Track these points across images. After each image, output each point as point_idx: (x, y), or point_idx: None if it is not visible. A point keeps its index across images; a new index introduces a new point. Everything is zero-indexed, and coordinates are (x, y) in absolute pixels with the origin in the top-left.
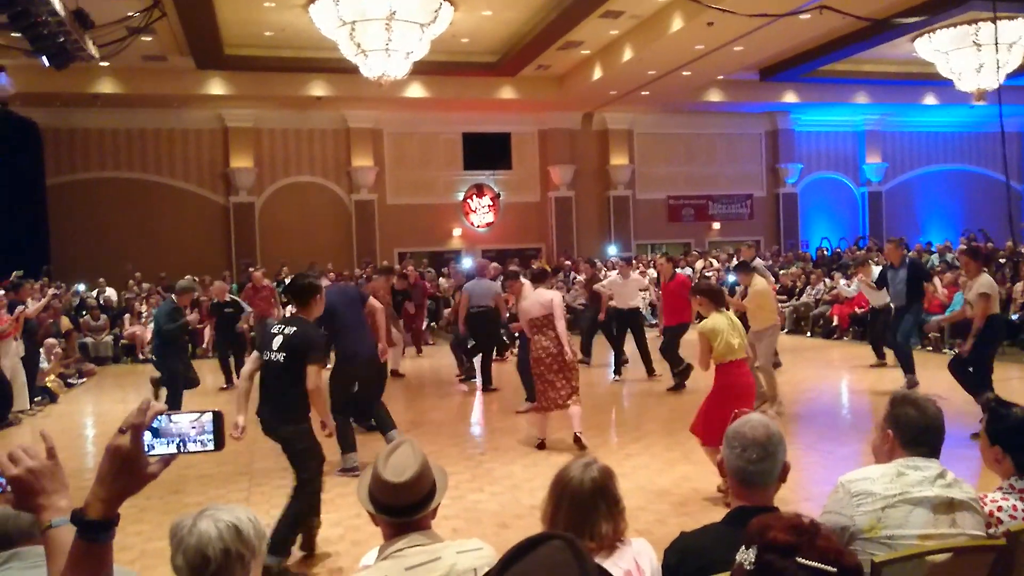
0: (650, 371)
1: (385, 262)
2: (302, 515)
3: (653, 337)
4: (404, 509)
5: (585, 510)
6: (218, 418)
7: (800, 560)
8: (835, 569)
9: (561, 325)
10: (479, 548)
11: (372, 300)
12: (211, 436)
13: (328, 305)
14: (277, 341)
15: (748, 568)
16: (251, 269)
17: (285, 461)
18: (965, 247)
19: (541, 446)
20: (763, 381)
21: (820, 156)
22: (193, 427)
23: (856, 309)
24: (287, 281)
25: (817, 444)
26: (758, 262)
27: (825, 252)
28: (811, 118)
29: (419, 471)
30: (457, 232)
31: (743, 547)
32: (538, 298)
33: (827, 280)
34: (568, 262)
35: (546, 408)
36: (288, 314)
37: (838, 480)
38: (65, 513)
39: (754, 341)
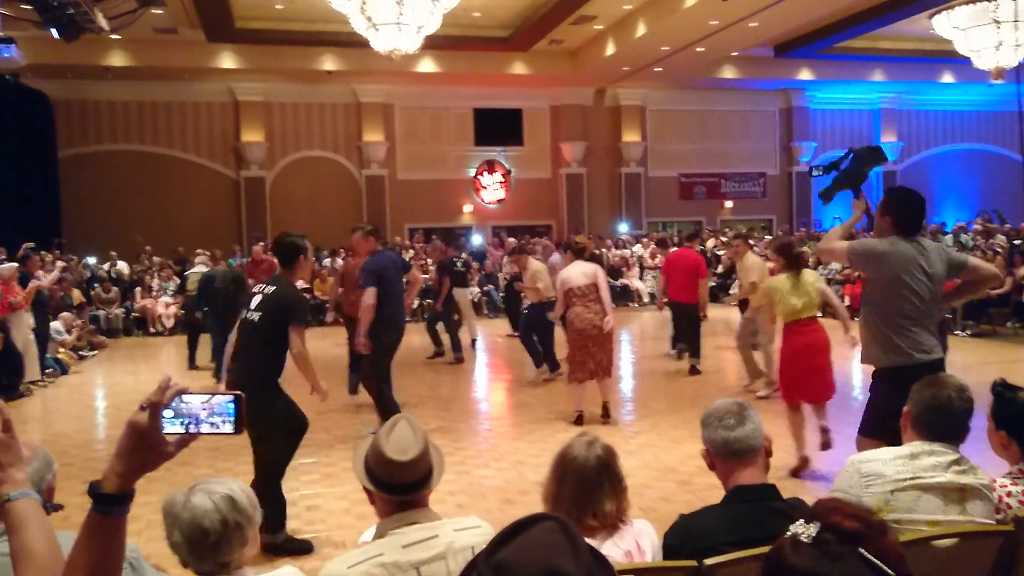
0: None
1: (398, 237)
2: (270, 488)
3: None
4: (406, 487)
5: (589, 488)
6: (239, 401)
7: (861, 551)
8: (893, 573)
9: (606, 296)
10: (477, 526)
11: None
12: (230, 419)
13: (380, 270)
14: (256, 300)
15: (804, 540)
16: (257, 245)
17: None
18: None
19: (579, 420)
20: (761, 362)
21: (835, 134)
22: (204, 408)
23: None
24: None
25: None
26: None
27: None
28: (826, 95)
29: (421, 450)
30: (468, 208)
31: (801, 520)
32: (582, 268)
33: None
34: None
35: (582, 379)
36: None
37: (848, 459)
38: (23, 485)
39: (753, 318)
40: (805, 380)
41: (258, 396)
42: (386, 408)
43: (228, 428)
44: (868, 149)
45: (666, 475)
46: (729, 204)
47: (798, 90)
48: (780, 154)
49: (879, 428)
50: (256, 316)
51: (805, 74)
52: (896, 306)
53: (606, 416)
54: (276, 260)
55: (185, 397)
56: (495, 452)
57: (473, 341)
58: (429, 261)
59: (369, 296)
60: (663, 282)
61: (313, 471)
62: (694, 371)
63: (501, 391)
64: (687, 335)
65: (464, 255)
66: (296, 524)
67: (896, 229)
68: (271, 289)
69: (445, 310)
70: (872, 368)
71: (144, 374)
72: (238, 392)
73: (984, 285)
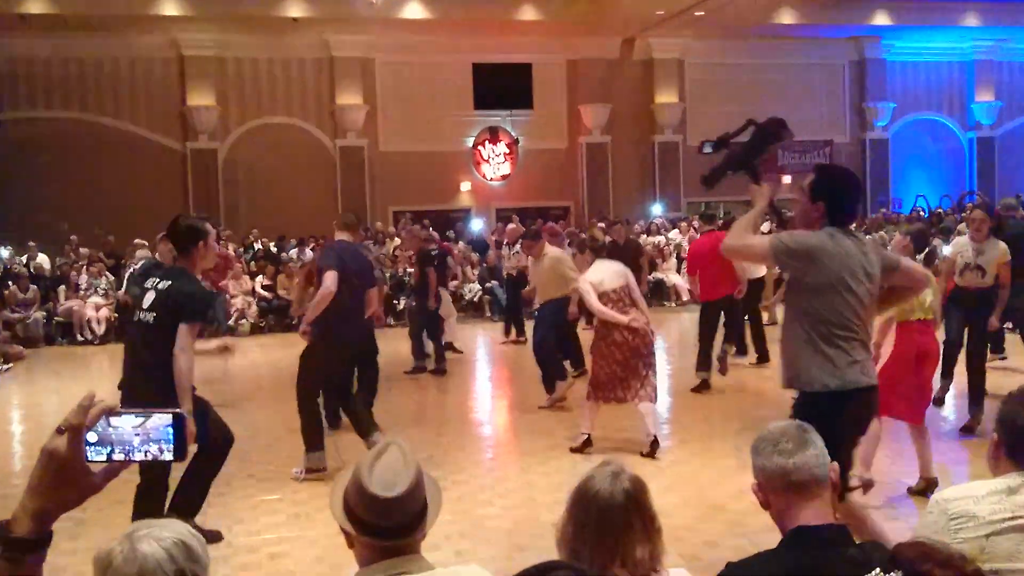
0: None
1: (379, 223)
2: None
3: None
4: (392, 530)
5: (616, 530)
6: (179, 421)
7: None
8: None
9: (641, 299)
10: None
11: (374, 293)
12: (168, 443)
13: (340, 255)
14: (148, 298)
15: None
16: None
17: (253, 465)
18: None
19: (587, 443)
20: None
21: (918, 93)
22: (137, 432)
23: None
24: (256, 247)
25: (908, 450)
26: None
27: (922, 212)
28: (907, 45)
29: (413, 483)
30: (466, 186)
31: (878, 570)
32: (612, 268)
33: (925, 248)
34: (602, 224)
35: (603, 398)
36: (260, 287)
37: (932, 497)
38: None
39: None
40: (909, 393)
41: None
42: (310, 431)
43: (167, 454)
44: (773, 123)
45: (711, 514)
46: (788, 180)
47: (872, 38)
48: (851, 118)
49: None
50: (150, 317)
51: (881, 18)
52: (836, 316)
53: (652, 453)
54: (228, 253)
55: (113, 418)
56: (501, 486)
57: (449, 345)
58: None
59: (330, 280)
60: (693, 280)
61: (278, 510)
62: (722, 365)
63: (507, 411)
64: (731, 330)
65: (433, 246)
66: None
67: (831, 219)
68: (165, 284)
69: (433, 310)
70: (793, 394)
71: (70, 391)
72: (179, 411)
73: (915, 293)
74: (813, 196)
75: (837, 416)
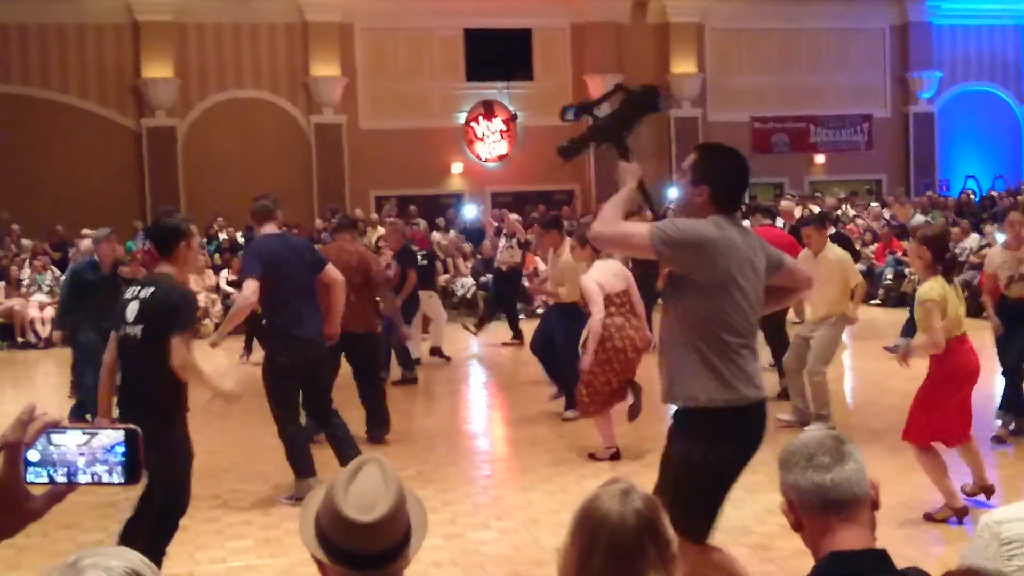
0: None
1: (358, 210)
2: (163, 543)
3: None
4: (371, 559)
5: (629, 557)
6: (133, 440)
7: None
8: None
9: (640, 304)
10: None
11: (331, 269)
12: (119, 464)
13: (268, 259)
14: (132, 309)
15: None
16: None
17: (218, 485)
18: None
19: (616, 456)
20: (810, 394)
21: (968, 61)
22: (82, 451)
23: None
24: (221, 237)
25: (955, 466)
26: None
27: (972, 195)
28: (956, 6)
29: (395, 504)
30: (457, 168)
31: None
32: (612, 268)
33: (976, 235)
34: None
35: (602, 410)
36: (225, 282)
37: (982, 520)
38: None
39: (813, 332)
40: (953, 415)
41: (156, 431)
42: (296, 458)
43: (117, 477)
44: (647, 91)
45: (735, 537)
46: (821, 159)
47: None
48: (892, 89)
49: (708, 507)
50: (137, 331)
51: None
52: (726, 320)
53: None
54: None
55: (55, 435)
56: (498, 507)
57: (436, 350)
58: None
59: (248, 290)
60: None
61: (246, 535)
62: (782, 396)
63: (505, 423)
64: (772, 344)
65: (418, 250)
66: None
67: (716, 206)
68: (148, 292)
69: (405, 312)
70: (675, 409)
71: (10, 402)
72: (132, 427)
73: (796, 294)
74: (696, 178)
75: (724, 436)
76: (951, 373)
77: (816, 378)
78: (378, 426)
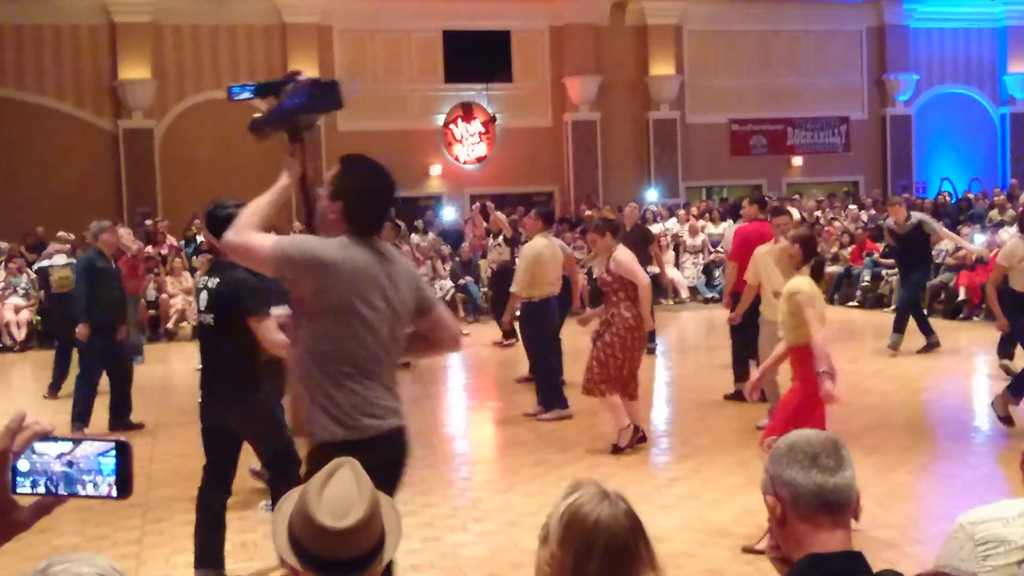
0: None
1: None
2: (295, 473)
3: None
4: (345, 565)
5: (625, 558)
6: (123, 452)
7: None
8: None
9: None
10: None
11: None
12: (106, 476)
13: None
14: (203, 299)
15: None
16: (124, 229)
17: (192, 488)
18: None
19: (643, 439)
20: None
21: (944, 64)
22: (65, 463)
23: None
24: (199, 240)
25: (935, 465)
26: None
27: (949, 198)
28: (932, 9)
29: (368, 510)
30: (436, 170)
31: None
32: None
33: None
34: (591, 211)
35: (625, 393)
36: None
37: (957, 520)
38: None
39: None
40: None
41: (234, 403)
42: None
43: (104, 489)
44: (325, 84)
45: (715, 539)
46: (798, 161)
47: (894, 1)
48: (869, 91)
49: None
50: (209, 318)
51: None
52: (344, 350)
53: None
54: (141, 249)
55: (37, 444)
56: (476, 510)
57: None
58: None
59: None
60: (732, 271)
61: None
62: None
63: (484, 424)
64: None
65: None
66: None
67: (350, 223)
68: (215, 281)
69: None
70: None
71: None
72: (122, 439)
73: (435, 351)
74: (332, 193)
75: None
76: (813, 376)
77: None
78: None
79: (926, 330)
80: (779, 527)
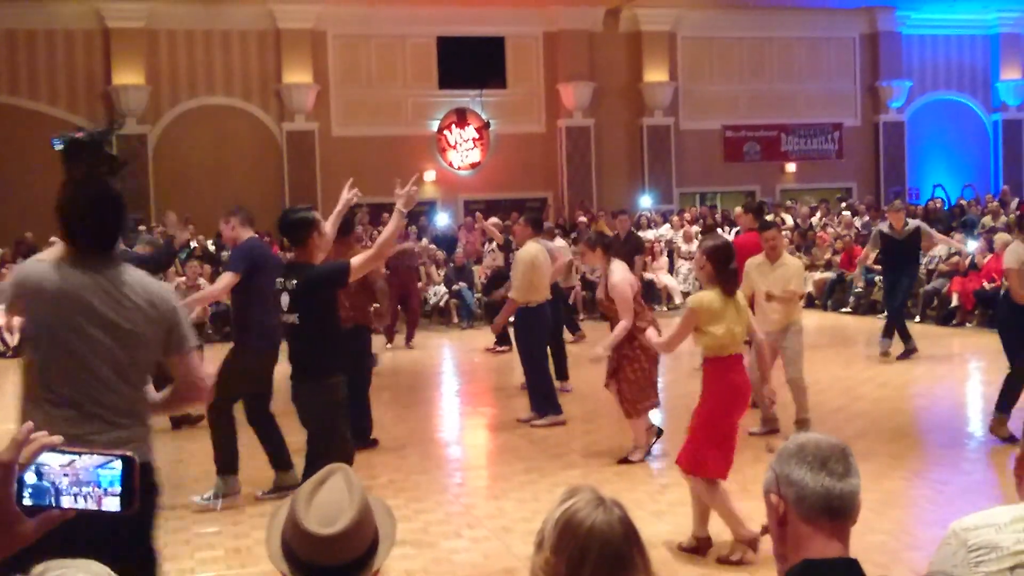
0: None
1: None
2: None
3: None
4: (333, 571)
5: (620, 564)
6: (128, 466)
7: None
8: None
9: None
10: None
11: None
12: (109, 489)
13: (253, 259)
14: (284, 300)
15: None
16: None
17: (187, 493)
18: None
19: (659, 433)
20: (794, 400)
21: (937, 70)
22: (67, 474)
23: (984, 284)
24: (192, 245)
25: (927, 471)
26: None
27: (941, 204)
28: (925, 16)
29: (357, 517)
30: (430, 176)
31: None
32: (627, 273)
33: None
34: (585, 217)
35: (651, 407)
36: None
37: (950, 527)
38: None
39: (778, 342)
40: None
41: (312, 391)
42: (223, 449)
43: (109, 504)
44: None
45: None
46: (792, 167)
47: (887, 9)
48: (862, 98)
49: None
50: (294, 318)
51: None
52: (46, 376)
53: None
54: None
55: (44, 456)
56: (469, 515)
57: None
58: None
59: (223, 282)
60: None
61: (215, 545)
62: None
63: (478, 430)
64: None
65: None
66: None
67: (71, 243)
68: (293, 283)
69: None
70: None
71: None
72: (127, 453)
73: (182, 399)
74: (56, 210)
75: None
76: (725, 393)
77: (800, 383)
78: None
79: (905, 336)
80: (779, 527)
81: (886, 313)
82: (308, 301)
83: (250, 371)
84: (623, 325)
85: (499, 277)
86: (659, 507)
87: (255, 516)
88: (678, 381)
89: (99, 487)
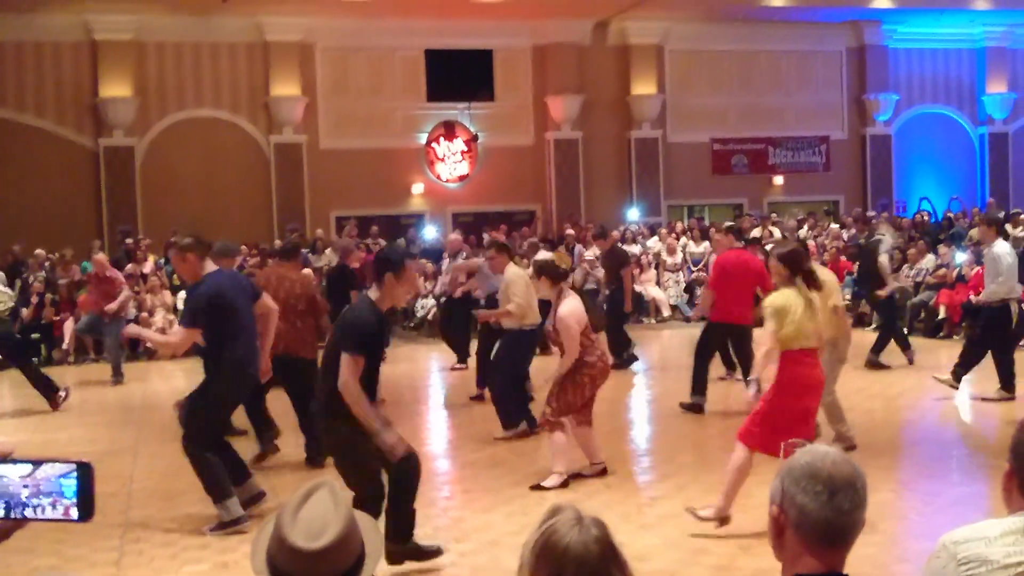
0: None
1: (320, 230)
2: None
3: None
4: None
5: None
6: (84, 474)
7: None
8: None
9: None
10: None
11: (267, 298)
12: (65, 499)
13: (220, 294)
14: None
15: None
16: (98, 254)
17: (174, 507)
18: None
19: (604, 472)
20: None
21: (924, 83)
22: (25, 485)
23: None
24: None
25: (917, 483)
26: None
27: (927, 217)
28: (911, 30)
29: (343, 531)
30: (418, 188)
31: None
32: (576, 301)
33: (932, 255)
34: (573, 231)
35: (588, 421)
36: (182, 303)
37: (940, 540)
38: None
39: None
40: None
41: (331, 428)
42: (213, 484)
43: (60, 510)
44: None
45: (696, 558)
46: (779, 180)
47: (873, 22)
48: (849, 110)
49: None
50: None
51: (882, 0)
52: None
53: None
54: (115, 275)
55: (2, 467)
56: (457, 529)
57: None
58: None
59: (179, 337)
60: (708, 299)
61: (202, 559)
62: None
63: (464, 444)
64: (742, 355)
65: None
66: None
67: None
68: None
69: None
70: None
71: None
72: (84, 461)
73: None
74: None
75: None
76: (788, 383)
77: (827, 399)
78: (321, 451)
79: (878, 350)
80: (776, 537)
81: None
82: (333, 337)
83: (225, 400)
84: (567, 361)
85: (466, 298)
86: (647, 520)
87: (247, 530)
88: (667, 394)
89: (61, 496)
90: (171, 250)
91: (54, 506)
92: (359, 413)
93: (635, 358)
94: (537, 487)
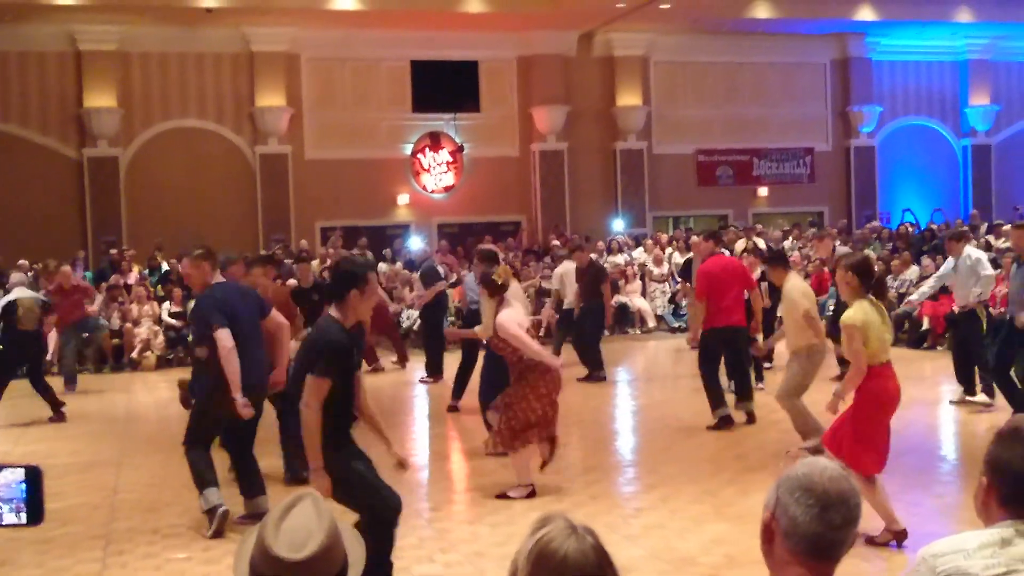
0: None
1: (277, 250)
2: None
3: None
4: None
5: None
6: (33, 478)
7: None
8: None
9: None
10: None
11: (275, 314)
12: (14, 502)
13: (226, 301)
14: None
15: None
16: (66, 266)
17: (158, 518)
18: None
19: (533, 494)
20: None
21: (907, 95)
22: None
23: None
24: (164, 267)
25: (901, 494)
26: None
27: (911, 228)
28: (895, 42)
29: (326, 542)
30: (404, 199)
31: None
32: (519, 310)
33: (916, 267)
34: (558, 241)
35: (546, 436)
36: (167, 314)
37: (919, 553)
38: None
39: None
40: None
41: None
42: (194, 476)
43: (12, 517)
44: None
45: (680, 568)
46: (764, 191)
47: (857, 35)
48: (833, 123)
49: None
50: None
51: (866, 13)
52: None
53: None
54: (85, 284)
55: None
56: (443, 540)
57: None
58: None
59: (226, 337)
60: (700, 310)
61: (186, 571)
62: (750, 419)
63: (449, 455)
64: (735, 369)
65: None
66: None
67: None
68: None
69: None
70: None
71: None
72: (33, 465)
73: None
74: None
75: None
76: (870, 398)
77: (783, 404)
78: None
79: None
80: (766, 543)
81: None
82: (301, 360)
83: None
84: (532, 355)
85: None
86: (633, 531)
87: (226, 542)
88: (652, 405)
89: (16, 500)
90: (184, 258)
91: (12, 511)
92: (306, 440)
93: (603, 378)
94: (503, 496)
